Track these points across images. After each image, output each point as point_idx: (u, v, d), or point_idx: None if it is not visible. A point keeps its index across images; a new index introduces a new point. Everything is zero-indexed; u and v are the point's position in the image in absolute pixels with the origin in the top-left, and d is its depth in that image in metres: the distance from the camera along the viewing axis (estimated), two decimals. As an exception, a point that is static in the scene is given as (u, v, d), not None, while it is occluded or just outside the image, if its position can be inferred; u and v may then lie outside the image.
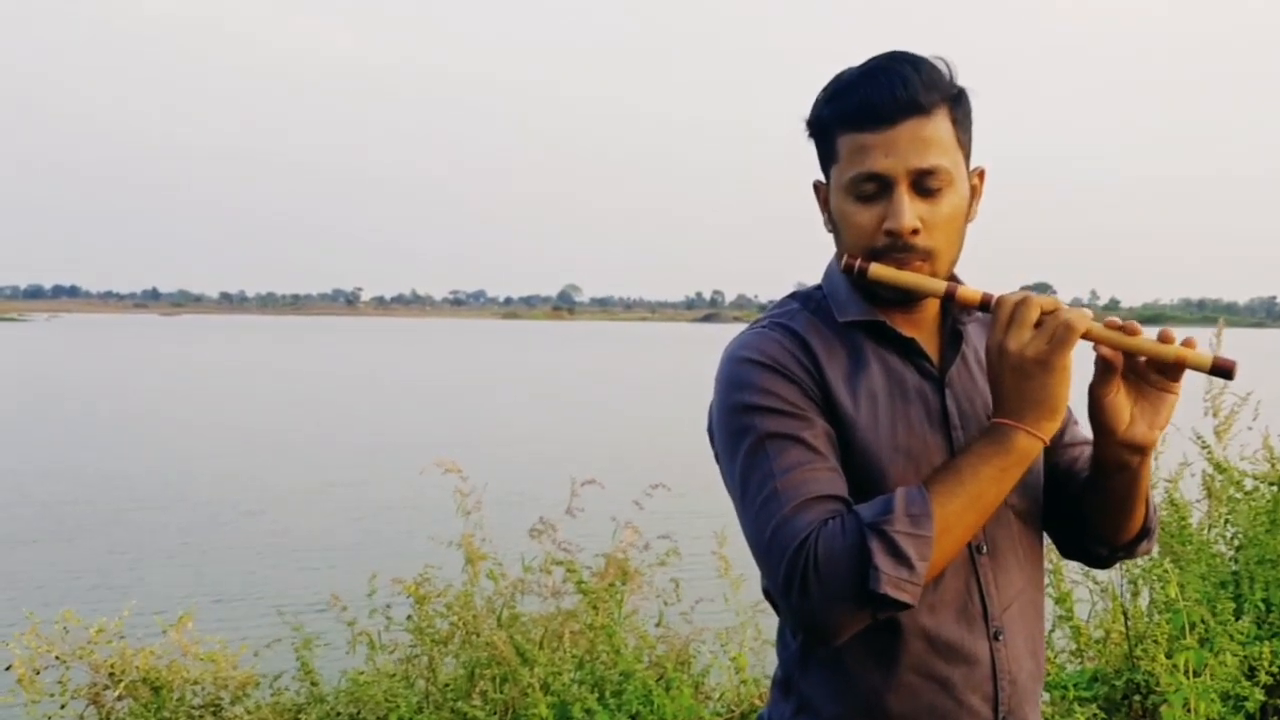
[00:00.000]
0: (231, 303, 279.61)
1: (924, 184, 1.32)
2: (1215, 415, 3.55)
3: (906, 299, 1.38)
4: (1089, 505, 1.42)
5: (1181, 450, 3.54)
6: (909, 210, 1.31)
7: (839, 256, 1.42)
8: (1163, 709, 2.71)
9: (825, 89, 1.37)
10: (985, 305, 1.31)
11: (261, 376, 37.15)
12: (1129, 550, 1.48)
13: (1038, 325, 1.25)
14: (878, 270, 1.32)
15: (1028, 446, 1.25)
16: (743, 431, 1.32)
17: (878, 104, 1.30)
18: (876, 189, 1.32)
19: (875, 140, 1.31)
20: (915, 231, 1.32)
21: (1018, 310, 1.26)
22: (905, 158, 1.30)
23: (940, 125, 1.32)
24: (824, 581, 1.19)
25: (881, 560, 1.18)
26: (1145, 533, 1.45)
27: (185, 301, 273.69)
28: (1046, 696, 3.15)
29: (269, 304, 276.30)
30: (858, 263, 1.34)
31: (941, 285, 1.33)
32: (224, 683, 3.60)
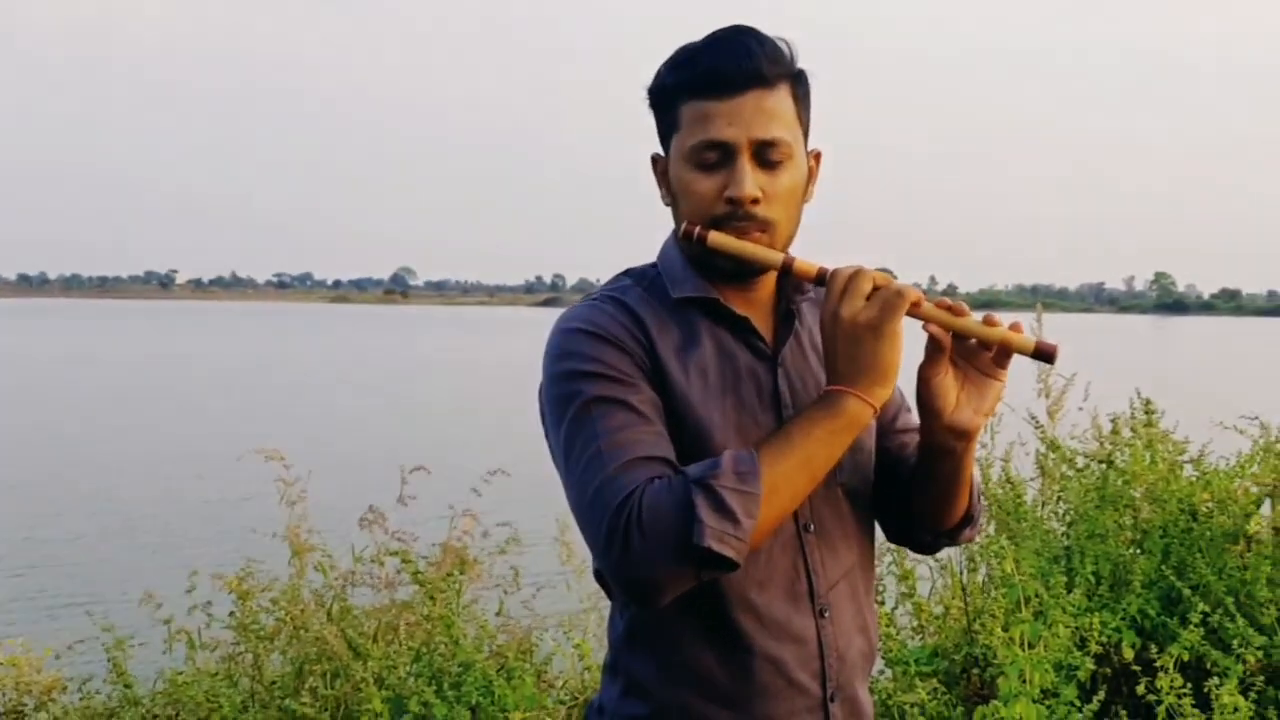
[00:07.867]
0: (31, 285, 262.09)
1: (765, 155, 1.33)
2: (1047, 396, 3.68)
3: (744, 270, 1.38)
4: (915, 491, 1.45)
5: (1016, 430, 3.66)
6: (750, 179, 1.31)
7: (676, 230, 1.42)
8: (999, 680, 2.76)
9: (669, 59, 1.37)
10: (821, 278, 1.33)
11: (62, 364, 34.97)
12: (952, 537, 1.50)
13: (870, 296, 1.27)
14: (717, 238, 1.33)
15: (858, 411, 1.26)
16: (569, 397, 1.30)
17: (724, 72, 1.30)
18: (718, 157, 1.32)
19: (719, 108, 1.31)
20: (756, 201, 1.32)
21: (852, 281, 1.28)
22: (749, 127, 1.31)
23: (782, 100, 1.33)
24: (647, 536, 1.18)
25: (706, 514, 1.17)
26: (968, 520, 1.48)
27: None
28: (889, 672, 3.19)
29: (74, 286, 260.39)
30: (697, 230, 1.33)
31: (779, 257, 1.34)
32: (27, 688, 3.33)
